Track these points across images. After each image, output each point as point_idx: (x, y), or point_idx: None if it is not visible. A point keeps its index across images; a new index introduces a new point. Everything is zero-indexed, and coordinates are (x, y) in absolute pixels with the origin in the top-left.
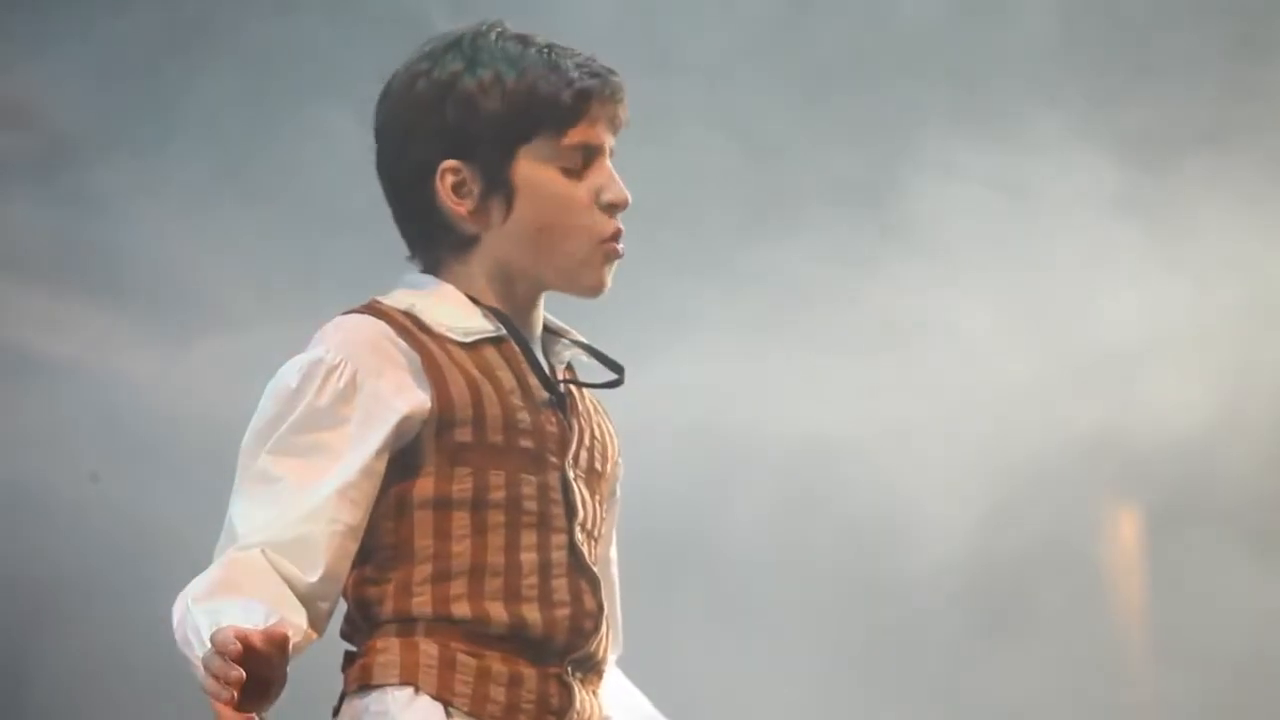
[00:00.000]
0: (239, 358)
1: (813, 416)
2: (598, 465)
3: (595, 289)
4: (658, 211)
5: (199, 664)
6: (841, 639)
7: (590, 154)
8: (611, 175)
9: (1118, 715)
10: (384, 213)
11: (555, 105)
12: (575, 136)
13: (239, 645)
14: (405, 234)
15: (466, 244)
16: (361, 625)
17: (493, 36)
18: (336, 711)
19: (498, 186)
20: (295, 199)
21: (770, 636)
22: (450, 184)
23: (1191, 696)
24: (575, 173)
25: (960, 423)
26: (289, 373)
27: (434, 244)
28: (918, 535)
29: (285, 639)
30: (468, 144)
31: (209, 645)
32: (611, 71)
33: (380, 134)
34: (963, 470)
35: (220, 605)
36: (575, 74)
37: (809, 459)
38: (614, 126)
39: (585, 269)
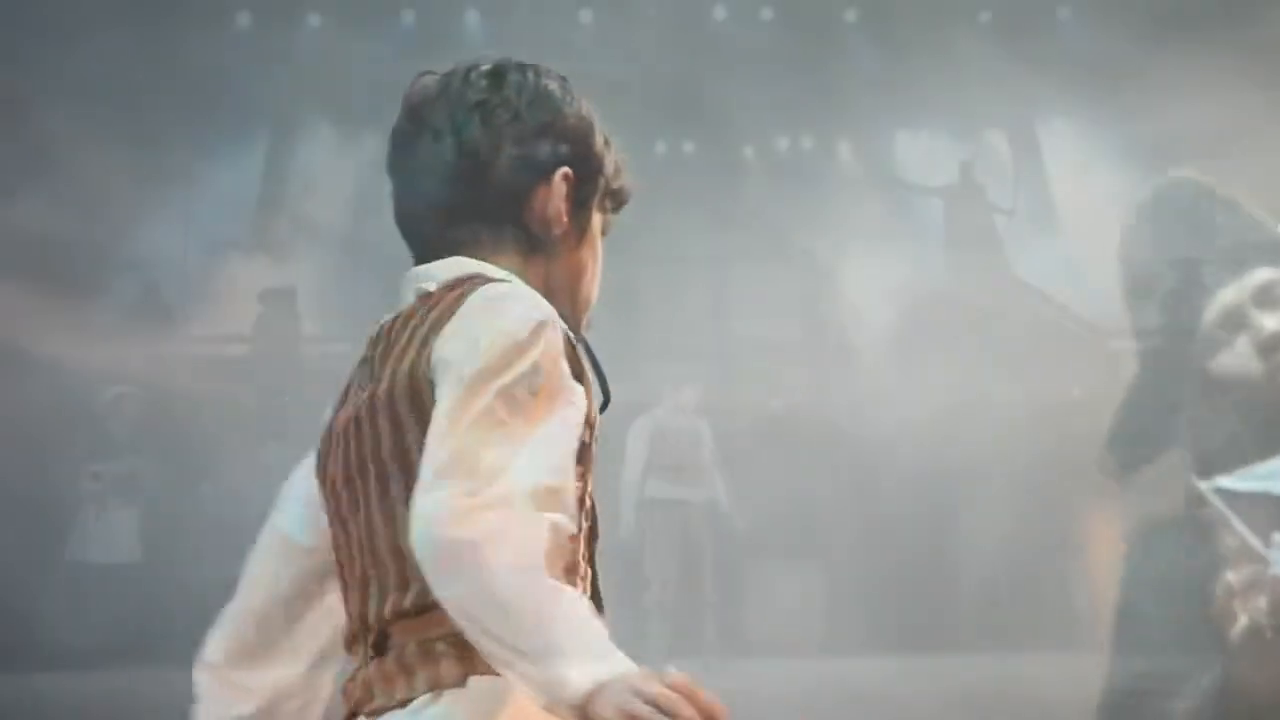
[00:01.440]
0: (234, 350)
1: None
2: None
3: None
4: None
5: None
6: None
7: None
8: None
9: None
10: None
11: (623, 184)
12: (612, 218)
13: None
14: (465, 214)
15: (532, 245)
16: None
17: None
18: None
19: (582, 215)
20: (288, 190)
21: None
22: (563, 191)
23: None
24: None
25: (1010, 407)
26: (515, 324)
27: (498, 230)
28: (965, 523)
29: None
30: (583, 165)
31: (665, 681)
32: None
33: (497, 111)
34: (1010, 455)
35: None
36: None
37: (864, 445)
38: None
39: (583, 315)
